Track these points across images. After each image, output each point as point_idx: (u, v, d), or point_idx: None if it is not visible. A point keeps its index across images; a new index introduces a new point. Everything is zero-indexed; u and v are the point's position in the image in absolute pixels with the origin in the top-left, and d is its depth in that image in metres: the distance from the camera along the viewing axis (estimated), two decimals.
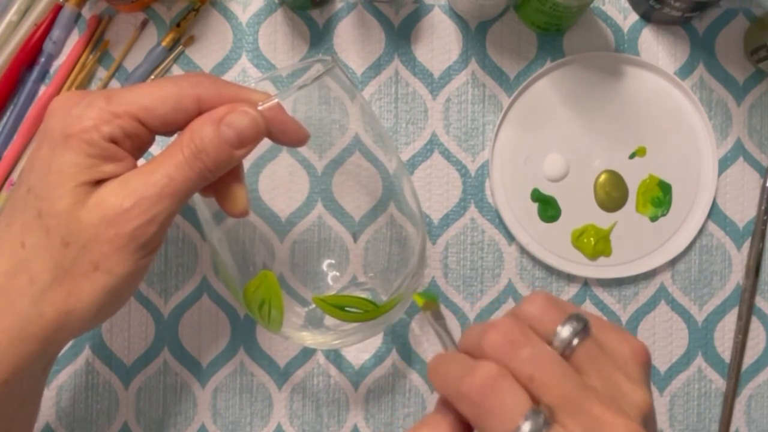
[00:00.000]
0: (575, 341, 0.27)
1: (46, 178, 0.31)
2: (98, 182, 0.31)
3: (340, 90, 0.39)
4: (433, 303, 0.38)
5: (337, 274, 0.41)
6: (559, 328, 0.27)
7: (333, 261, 0.42)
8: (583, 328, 0.27)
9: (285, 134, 0.34)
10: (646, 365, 0.29)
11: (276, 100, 0.34)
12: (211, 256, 0.47)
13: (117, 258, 0.31)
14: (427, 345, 0.47)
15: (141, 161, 0.33)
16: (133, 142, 0.32)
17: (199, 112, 0.33)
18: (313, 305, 0.39)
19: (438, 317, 0.37)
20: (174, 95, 0.32)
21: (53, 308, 0.31)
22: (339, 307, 0.38)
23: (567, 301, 0.47)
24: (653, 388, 0.47)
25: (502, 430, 0.25)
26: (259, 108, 0.33)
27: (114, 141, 0.31)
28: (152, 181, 0.31)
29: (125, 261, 0.31)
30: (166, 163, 0.32)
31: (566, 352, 0.27)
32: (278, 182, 0.42)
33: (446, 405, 0.28)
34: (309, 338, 0.40)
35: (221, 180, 0.34)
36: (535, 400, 0.26)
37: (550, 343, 0.27)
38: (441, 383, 0.28)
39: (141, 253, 0.32)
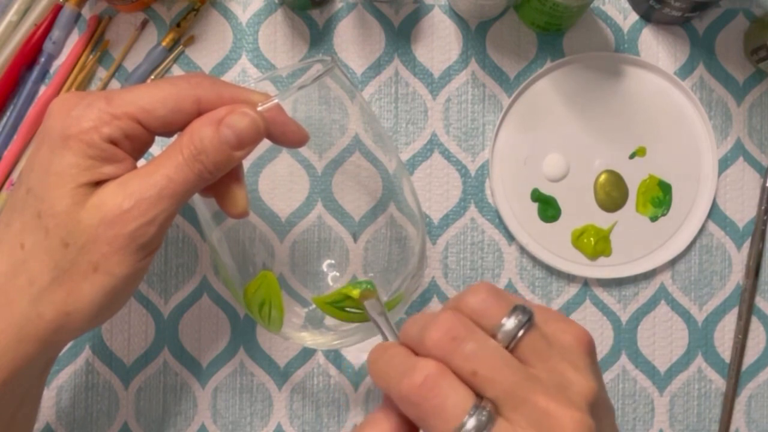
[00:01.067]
0: (520, 333, 0.27)
1: (46, 179, 0.31)
2: (98, 183, 0.31)
3: (340, 90, 0.39)
4: (370, 292, 0.37)
5: (337, 274, 0.41)
6: (503, 320, 0.27)
7: (333, 261, 0.42)
8: (528, 320, 0.27)
9: (284, 135, 0.34)
10: (591, 352, 0.29)
11: (275, 101, 0.34)
12: (210, 256, 0.47)
13: (116, 259, 0.31)
14: None
15: (141, 161, 0.33)
16: (133, 143, 0.32)
17: (199, 113, 0.33)
18: (314, 306, 0.39)
19: (376, 307, 0.36)
20: (173, 96, 0.32)
21: (52, 309, 0.31)
22: (339, 308, 0.38)
23: (567, 299, 0.47)
24: (654, 388, 0.47)
25: (445, 429, 0.25)
26: (259, 109, 0.33)
27: (113, 142, 0.31)
28: (152, 183, 0.31)
29: (125, 262, 0.31)
30: (165, 164, 0.31)
31: (511, 345, 0.27)
32: (278, 182, 0.42)
33: (391, 401, 0.28)
34: (309, 338, 0.40)
35: (221, 180, 0.34)
36: (480, 396, 0.26)
37: (494, 335, 0.27)
38: (381, 381, 0.28)
39: (140, 254, 0.32)
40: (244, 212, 0.35)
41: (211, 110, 0.33)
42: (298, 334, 0.40)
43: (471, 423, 0.25)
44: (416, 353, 0.28)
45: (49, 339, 0.32)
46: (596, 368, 0.29)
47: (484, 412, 0.25)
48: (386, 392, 0.28)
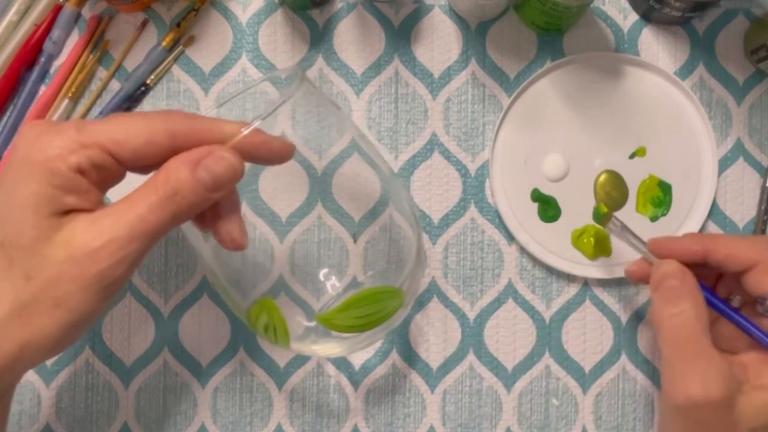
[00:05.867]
0: None
1: (10, 207, 0.30)
2: (65, 213, 0.31)
3: (325, 99, 0.39)
4: (607, 215, 0.43)
5: (336, 283, 0.41)
6: None
7: (328, 269, 0.42)
8: None
9: (270, 154, 0.34)
10: None
11: (254, 126, 0.33)
12: (210, 280, 0.46)
13: (81, 296, 0.30)
14: (428, 345, 0.47)
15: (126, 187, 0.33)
16: (101, 174, 0.32)
17: (172, 147, 0.32)
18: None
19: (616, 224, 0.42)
20: (146, 129, 0.32)
21: (10, 342, 0.31)
22: (344, 322, 0.38)
23: (568, 299, 0.47)
24: (654, 388, 0.48)
25: None
26: (237, 139, 0.32)
27: (80, 171, 0.31)
28: (123, 222, 0.30)
29: (89, 300, 0.31)
30: (138, 203, 0.31)
31: None
32: (278, 182, 0.42)
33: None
34: (321, 350, 0.40)
35: (217, 212, 0.33)
36: None
37: None
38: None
39: (106, 292, 0.31)
40: (241, 246, 0.34)
41: (185, 143, 0.32)
42: (309, 347, 0.40)
43: None
44: None
45: (5, 370, 0.31)
46: None
47: None
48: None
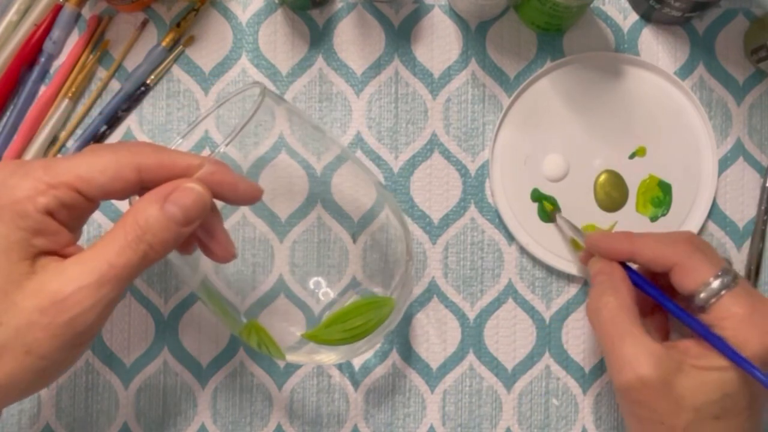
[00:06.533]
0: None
1: None
2: (36, 256, 0.31)
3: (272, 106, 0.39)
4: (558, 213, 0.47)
5: (329, 291, 0.41)
6: None
7: (328, 269, 0.42)
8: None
9: (235, 194, 0.33)
10: None
11: (220, 149, 0.33)
12: (203, 298, 0.46)
13: (51, 344, 0.30)
14: (428, 345, 0.47)
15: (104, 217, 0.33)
16: (71, 212, 0.31)
17: (139, 181, 0.32)
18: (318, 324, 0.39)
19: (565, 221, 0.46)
20: (113, 164, 0.31)
21: None
22: (335, 335, 0.38)
23: (568, 299, 0.47)
24: None
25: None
26: (202, 172, 0.32)
27: (49, 213, 0.31)
28: (91, 269, 0.30)
29: (60, 347, 0.30)
30: (107, 248, 0.30)
31: None
32: (278, 182, 0.42)
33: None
34: (325, 359, 0.40)
35: (204, 232, 0.33)
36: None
37: None
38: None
39: (78, 339, 0.30)
40: (234, 255, 0.34)
41: (152, 177, 0.32)
42: (308, 356, 0.40)
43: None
44: None
45: None
46: None
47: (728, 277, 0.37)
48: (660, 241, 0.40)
